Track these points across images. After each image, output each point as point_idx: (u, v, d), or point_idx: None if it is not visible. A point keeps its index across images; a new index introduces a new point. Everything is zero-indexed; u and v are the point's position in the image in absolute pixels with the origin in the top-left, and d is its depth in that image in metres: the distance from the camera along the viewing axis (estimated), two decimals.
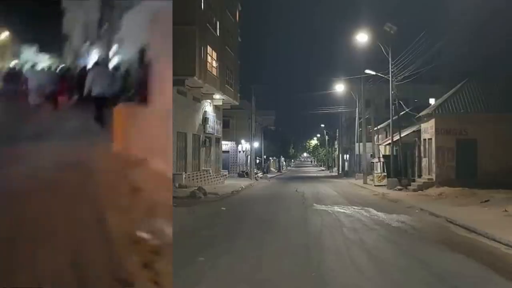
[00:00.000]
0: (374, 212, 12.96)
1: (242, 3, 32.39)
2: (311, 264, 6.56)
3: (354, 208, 14.02)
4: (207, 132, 26.87)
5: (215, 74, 25.17)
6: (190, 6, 21.22)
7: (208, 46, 23.58)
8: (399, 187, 21.72)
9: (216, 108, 29.48)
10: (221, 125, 31.77)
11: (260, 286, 5.54)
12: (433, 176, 20.54)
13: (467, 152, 19.82)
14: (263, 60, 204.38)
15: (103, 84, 12.28)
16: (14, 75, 17.05)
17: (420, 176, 22.76)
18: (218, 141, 31.14)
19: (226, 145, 38.80)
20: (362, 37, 23.90)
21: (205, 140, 26.77)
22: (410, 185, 21.47)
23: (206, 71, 23.23)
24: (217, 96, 27.08)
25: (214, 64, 25.06)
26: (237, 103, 31.98)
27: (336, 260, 6.81)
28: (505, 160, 19.20)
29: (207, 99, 26.81)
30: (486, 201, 14.16)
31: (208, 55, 23.66)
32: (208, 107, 27.26)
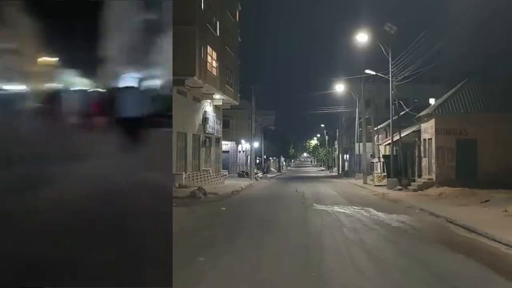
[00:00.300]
0: (374, 212, 12.96)
1: (242, 3, 32.43)
2: (311, 264, 6.56)
3: (354, 208, 14.02)
4: (207, 132, 26.87)
5: (215, 74, 25.17)
6: (190, 6, 21.23)
7: (208, 46, 23.58)
8: (399, 187, 21.73)
9: (216, 108, 29.48)
10: (221, 125, 31.78)
11: (260, 286, 5.53)
12: (433, 176, 20.54)
13: (467, 152, 19.82)
14: (263, 60, 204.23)
15: (134, 106, 11.87)
16: (50, 96, 17.05)
17: (420, 176, 22.76)
18: (218, 141, 31.15)
19: (226, 145, 38.80)
20: (362, 37, 23.90)
21: (205, 140, 26.78)
22: (410, 185, 21.47)
23: (206, 71, 23.24)
24: (217, 96, 27.09)
25: (214, 64, 25.06)
26: (237, 103, 31.98)
27: (336, 260, 6.82)
28: (505, 160, 19.20)
29: (207, 99, 26.82)
30: (486, 201, 14.17)
31: (208, 55, 23.66)
32: (208, 107, 27.26)
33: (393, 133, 24.32)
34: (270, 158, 63.14)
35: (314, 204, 15.29)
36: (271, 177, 42.62)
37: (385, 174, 25.47)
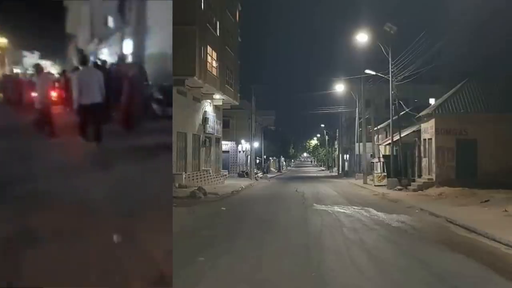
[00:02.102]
0: (374, 212, 12.96)
1: (242, 3, 32.44)
2: (311, 264, 6.56)
3: (354, 208, 14.02)
4: (207, 132, 26.86)
5: (215, 74, 25.17)
6: (190, 6, 21.24)
7: (208, 46, 23.58)
8: (399, 187, 21.72)
9: (216, 108, 29.48)
10: (221, 125, 31.77)
11: (260, 286, 5.53)
12: (433, 176, 20.54)
13: (467, 152, 19.82)
14: (263, 60, 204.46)
15: (94, 90, 9.78)
16: (13, 82, 15.95)
17: (420, 176, 22.76)
18: (218, 141, 31.14)
19: (226, 145, 38.79)
20: (362, 37, 23.91)
21: (205, 140, 26.77)
22: (410, 185, 21.47)
23: (206, 71, 23.24)
24: (217, 96, 27.09)
25: (214, 64, 25.06)
26: (237, 103, 31.99)
27: (336, 260, 6.81)
28: (505, 160, 19.20)
29: (207, 99, 26.82)
30: (486, 201, 14.16)
31: (208, 55, 23.66)
32: (208, 107, 27.26)
33: (393, 133, 24.32)
34: (270, 158, 63.14)
35: (314, 204, 15.28)
36: (271, 177, 42.61)
37: (385, 174, 25.47)
